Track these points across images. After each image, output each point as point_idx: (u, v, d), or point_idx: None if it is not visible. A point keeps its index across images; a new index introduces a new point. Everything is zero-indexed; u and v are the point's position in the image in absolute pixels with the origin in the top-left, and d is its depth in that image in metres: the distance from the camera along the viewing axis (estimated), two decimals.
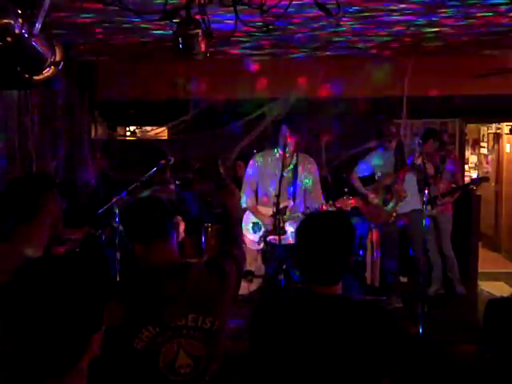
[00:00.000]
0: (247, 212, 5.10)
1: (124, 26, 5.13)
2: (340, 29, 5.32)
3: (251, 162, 5.10)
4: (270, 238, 4.89)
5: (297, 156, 4.94)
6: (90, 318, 1.35)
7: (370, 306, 2.20)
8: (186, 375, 2.20)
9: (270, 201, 4.87)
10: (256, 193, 5.07)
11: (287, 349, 2.01)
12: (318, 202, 4.86)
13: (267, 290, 5.46)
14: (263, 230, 4.97)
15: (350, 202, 4.73)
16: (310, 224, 2.15)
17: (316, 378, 1.97)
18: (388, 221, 5.59)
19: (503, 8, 4.45)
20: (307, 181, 4.97)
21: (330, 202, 4.77)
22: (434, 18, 4.84)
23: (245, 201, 5.07)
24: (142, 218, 2.28)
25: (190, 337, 2.20)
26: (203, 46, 3.25)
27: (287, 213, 4.88)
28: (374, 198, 5.66)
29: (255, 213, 5.01)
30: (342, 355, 1.96)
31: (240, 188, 6.07)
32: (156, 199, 2.47)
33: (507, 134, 8.51)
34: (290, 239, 4.93)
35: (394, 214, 5.58)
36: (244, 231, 5.13)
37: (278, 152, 4.90)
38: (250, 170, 5.10)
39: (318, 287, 2.06)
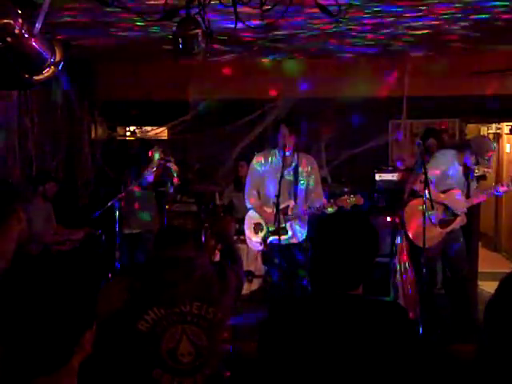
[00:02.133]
0: (249, 213, 5.09)
1: (123, 26, 5.14)
2: (340, 29, 5.33)
3: (253, 162, 5.10)
4: (272, 238, 4.86)
5: (297, 156, 4.93)
6: (81, 315, 1.35)
7: (388, 306, 2.12)
8: (187, 364, 2.23)
9: (270, 201, 4.85)
10: (259, 193, 5.06)
11: (303, 348, 1.96)
12: (320, 201, 4.85)
13: (268, 290, 5.46)
14: (265, 230, 4.95)
15: (352, 200, 4.70)
16: (330, 228, 2.01)
17: (333, 379, 1.93)
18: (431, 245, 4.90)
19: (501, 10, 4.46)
20: (308, 180, 4.96)
21: (331, 201, 4.76)
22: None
23: (248, 201, 5.06)
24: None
25: (193, 323, 2.26)
26: (203, 46, 3.26)
27: (289, 212, 4.87)
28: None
29: (260, 212, 4.98)
30: (360, 355, 1.91)
31: (239, 187, 6.08)
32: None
33: (507, 134, 8.51)
34: (293, 239, 4.90)
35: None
36: (246, 232, 5.11)
37: (278, 152, 4.89)
38: (252, 170, 5.09)
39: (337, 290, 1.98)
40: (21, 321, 1.29)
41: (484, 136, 5.81)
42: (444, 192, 5.02)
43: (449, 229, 5.07)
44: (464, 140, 6.62)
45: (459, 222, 5.09)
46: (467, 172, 5.08)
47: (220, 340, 2.35)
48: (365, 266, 1.96)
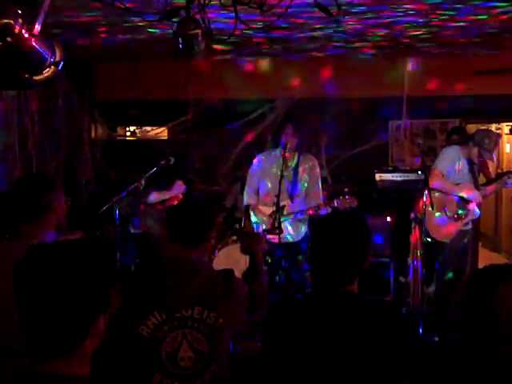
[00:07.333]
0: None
1: (124, 25, 5.14)
2: (340, 29, 5.33)
3: (254, 162, 5.11)
4: (269, 237, 4.87)
5: (299, 156, 4.93)
6: (98, 297, 1.39)
7: (381, 305, 2.18)
8: (186, 369, 2.22)
9: (270, 200, 4.86)
10: (258, 192, 5.07)
11: (302, 346, 2.02)
12: (316, 202, 4.86)
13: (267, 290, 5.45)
14: (261, 229, 4.96)
15: (346, 202, 4.70)
16: (323, 226, 2.15)
17: (330, 377, 1.97)
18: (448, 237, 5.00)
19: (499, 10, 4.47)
20: (307, 181, 4.96)
21: (325, 202, 4.77)
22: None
23: (246, 199, 5.07)
24: (188, 225, 2.43)
25: (194, 328, 2.24)
26: (203, 46, 3.26)
27: (285, 212, 4.87)
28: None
29: (255, 211, 4.99)
30: (353, 354, 1.95)
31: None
32: (202, 203, 2.61)
33: (507, 134, 8.51)
34: (288, 238, 4.91)
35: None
36: None
37: (279, 152, 4.89)
38: (252, 169, 5.10)
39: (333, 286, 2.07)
40: (38, 298, 1.32)
41: (488, 129, 5.77)
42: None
43: (464, 221, 5.04)
44: (467, 135, 6.60)
45: (471, 215, 5.07)
46: (472, 166, 5.07)
47: (222, 345, 2.31)
48: (357, 263, 2.06)
